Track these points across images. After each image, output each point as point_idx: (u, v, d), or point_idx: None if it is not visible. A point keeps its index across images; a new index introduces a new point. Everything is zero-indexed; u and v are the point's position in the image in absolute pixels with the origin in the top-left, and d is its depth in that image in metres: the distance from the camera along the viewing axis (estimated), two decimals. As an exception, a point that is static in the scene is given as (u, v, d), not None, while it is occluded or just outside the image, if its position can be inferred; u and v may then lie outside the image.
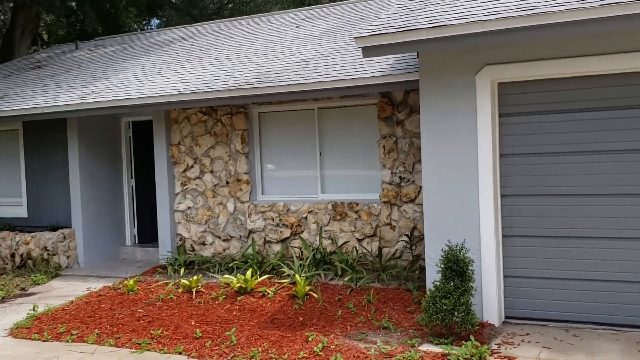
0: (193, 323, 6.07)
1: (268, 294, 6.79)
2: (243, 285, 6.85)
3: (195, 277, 7.30)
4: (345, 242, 7.98)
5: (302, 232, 8.31)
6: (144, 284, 7.93)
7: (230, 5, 22.56)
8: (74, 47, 14.49)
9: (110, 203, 10.31)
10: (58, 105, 8.93)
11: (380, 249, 7.63)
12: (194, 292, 7.08)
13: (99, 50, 13.50)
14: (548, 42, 5.22)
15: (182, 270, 8.20)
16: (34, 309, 6.78)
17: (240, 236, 8.71)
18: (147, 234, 10.76)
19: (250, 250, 8.48)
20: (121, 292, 7.48)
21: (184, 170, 9.12)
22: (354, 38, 5.37)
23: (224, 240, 8.84)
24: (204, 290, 7.20)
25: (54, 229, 9.86)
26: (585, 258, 5.41)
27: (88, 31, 20.27)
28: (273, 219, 8.47)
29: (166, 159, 9.16)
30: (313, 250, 7.95)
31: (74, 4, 21.02)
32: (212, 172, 8.92)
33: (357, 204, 7.98)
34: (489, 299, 5.55)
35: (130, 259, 10.30)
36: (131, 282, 7.52)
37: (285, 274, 7.43)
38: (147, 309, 6.71)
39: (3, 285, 8.54)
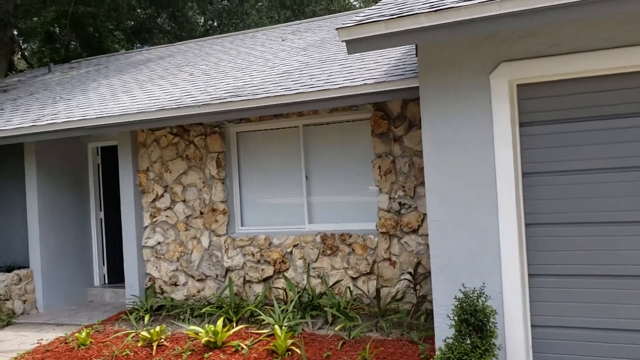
0: (145, 391, 4.87)
1: (242, 349, 5.58)
2: (212, 340, 5.65)
3: (158, 328, 6.11)
4: (337, 282, 6.80)
5: (287, 269, 7.13)
6: (101, 334, 6.73)
7: (219, 27, 21.71)
8: (47, 70, 13.50)
9: (75, 239, 9.15)
10: (6, 129, 7.84)
11: (378, 289, 6.45)
12: (154, 347, 5.87)
13: (73, 72, 12.49)
14: (582, 29, 4.13)
15: (147, 318, 7.01)
16: (-43, 373, 5.58)
17: (217, 275, 7.53)
18: (118, 272, 9.58)
19: (227, 292, 7.30)
20: (72, 346, 6.27)
21: (153, 200, 7.98)
22: (336, 29, 4.28)
23: (198, 280, 7.66)
24: (167, 344, 6.00)
25: (9, 269, 8.68)
26: (637, 303, 4.22)
27: (72, 57, 19.38)
28: (253, 255, 7.30)
29: (133, 187, 8.03)
30: (299, 291, 6.77)
31: (56, 28, 20.15)
32: (184, 201, 7.78)
33: (350, 236, 6.82)
34: (515, 359, 4.35)
35: (98, 302, 9.09)
36: (83, 334, 6.32)
37: (265, 322, 6.24)
38: (94, 370, 5.51)
39: (-59, 338, 7.33)
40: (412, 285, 6.45)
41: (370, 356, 5.11)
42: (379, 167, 6.67)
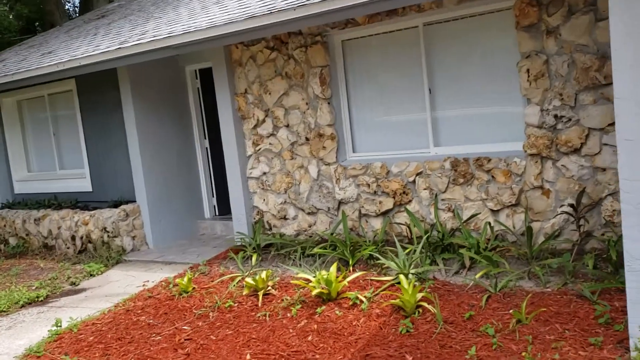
0: (248, 358, 4.07)
1: (361, 302, 4.61)
2: (324, 291, 4.72)
3: (264, 274, 5.29)
4: (472, 216, 5.56)
5: (409, 202, 5.98)
6: (206, 277, 6.10)
7: None
8: (146, -9, 12.79)
9: (181, 170, 8.58)
10: (94, 54, 7.16)
11: (528, 225, 5.13)
12: (260, 297, 5.08)
13: (168, -10, 11.66)
14: None
15: (254, 257, 6.26)
16: (57, 324, 5.16)
17: (329, 208, 6.56)
18: (229, 203, 8.99)
19: (341, 228, 6.34)
20: (173, 293, 5.68)
21: (254, 126, 7.06)
22: None
23: (308, 213, 6.75)
24: (275, 293, 5.18)
25: (116, 204, 8.34)
26: None
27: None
28: (369, 185, 6.21)
29: (232, 113, 7.14)
30: (427, 230, 5.63)
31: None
32: (287, 126, 6.78)
33: (489, 160, 5.49)
34: None
35: (209, 235, 8.58)
36: (185, 280, 5.69)
37: (386, 266, 5.21)
38: (194, 325, 4.82)
39: (53, 278, 7.14)
40: (572, 220, 5.07)
41: (527, 318, 3.92)
42: (527, 70, 5.16)
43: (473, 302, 4.36)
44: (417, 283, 4.66)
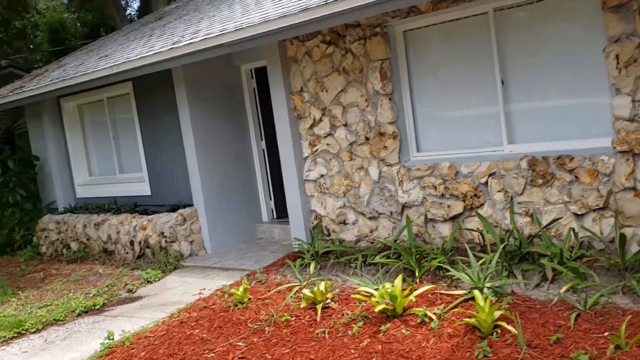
0: (305, 382, 3.72)
1: (430, 320, 4.16)
2: (389, 307, 4.30)
3: (322, 286, 4.92)
4: (554, 221, 4.99)
5: (481, 205, 5.46)
6: (262, 286, 5.80)
7: None
8: (201, -8, 12.69)
9: (238, 172, 8.35)
10: (148, 55, 7.00)
11: (620, 232, 4.53)
12: (318, 310, 4.72)
13: (224, -11, 11.50)
14: None
15: (312, 266, 5.91)
16: (109, 337, 4.97)
17: (391, 212, 6.12)
18: (286, 206, 8.70)
19: (405, 234, 5.88)
20: (228, 304, 5.39)
21: (311, 126, 6.70)
22: None
23: (369, 218, 6.33)
24: (335, 307, 4.80)
25: (174, 208, 8.18)
26: None
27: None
28: (435, 187, 5.73)
29: (287, 113, 6.81)
30: (502, 238, 5.09)
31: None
32: (345, 125, 6.38)
33: (572, 158, 4.90)
34: None
35: (267, 239, 8.31)
36: (241, 290, 5.40)
37: (457, 277, 4.73)
38: (249, 341, 4.51)
39: (111, 285, 7.04)
40: (673, 226, 4.43)
41: (628, 344, 3.36)
42: (616, 56, 4.55)
43: (559, 322, 3.83)
44: (493, 298, 4.17)
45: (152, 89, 8.41)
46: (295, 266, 5.96)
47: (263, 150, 8.60)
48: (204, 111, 7.94)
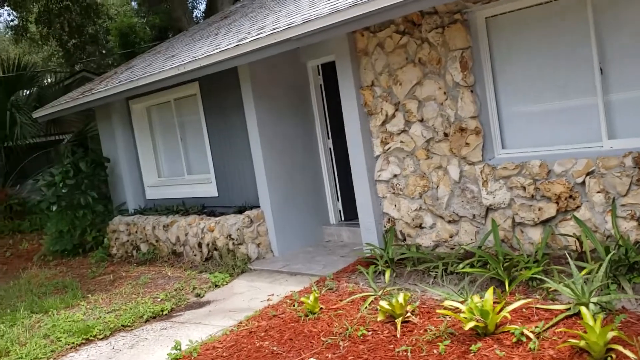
0: (388, 410, 3.32)
1: (528, 340, 3.67)
2: (480, 324, 3.84)
3: (401, 297, 4.50)
4: (667, 226, 4.37)
5: (578, 208, 4.89)
6: (333, 294, 5.44)
7: None
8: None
9: (305, 172, 8.05)
10: (213, 54, 6.79)
11: None
12: (398, 325, 4.31)
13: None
14: None
15: (387, 274, 5.50)
16: (176, 347, 4.75)
17: (474, 215, 5.62)
18: (355, 207, 8.33)
19: (490, 239, 5.37)
20: (298, 314, 5.07)
21: (383, 123, 6.29)
22: None
23: (449, 222, 5.86)
24: (416, 321, 4.38)
25: (240, 210, 7.98)
26: None
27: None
28: (524, 188, 5.19)
29: (357, 109, 6.43)
30: (607, 245, 4.51)
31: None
32: (421, 120, 5.93)
33: (689, 154, 4.26)
34: None
35: (335, 243, 7.97)
36: (312, 299, 5.06)
37: (553, 289, 4.20)
38: (323, 356, 4.16)
39: (179, 288, 6.89)
40: None
41: None
42: None
43: (687, 348, 3.26)
44: (602, 316, 3.63)
45: (219, 88, 8.24)
46: (368, 273, 5.57)
47: (330, 149, 8.26)
48: (270, 110, 7.68)
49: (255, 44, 6.23)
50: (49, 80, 18.24)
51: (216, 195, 8.75)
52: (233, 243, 7.57)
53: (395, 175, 6.28)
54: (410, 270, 5.53)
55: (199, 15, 25.01)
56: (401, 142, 6.13)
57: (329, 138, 8.24)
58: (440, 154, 5.80)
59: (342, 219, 8.32)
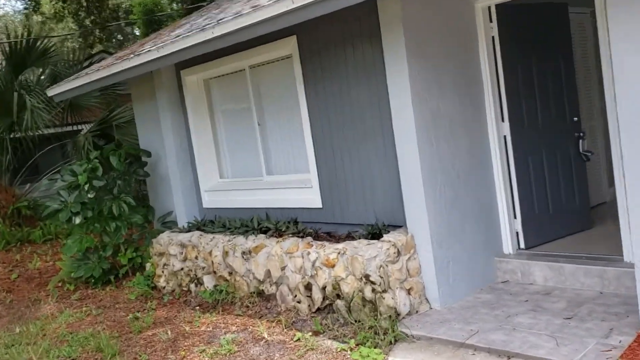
0: None
1: None
2: None
3: None
4: None
5: None
6: None
7: None
8: None
9: (470, 173, 5.13)
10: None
11: None
12: None
13: None
14: None
15: None
16: None
17: None
18: (541, 226, 5.41)
19: None
20: None
21: None
22: None
23: None
24: None
25: (374, 233, 5.06)
26: None
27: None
28: None
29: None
30: None
31: None
32: None
33: None
34: None
35: (522, 286, 5.06)
36: None
37: None
38: None
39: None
40: None
41: None
42: None
43: None
44: None
45: (333, 43, 5.32)
46: None
47: (504, 137, 5.33)
48: (428, 76, 4.76)
49: None
50: (65, 59, 15.41)
51: (319, 206, 5.83)
52: (373, 289, 4.64)
53: None
54: None
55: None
56: None
57: (503, 120, 5.31)
58: None
59: (522, 246, 5.39)
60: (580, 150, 5.67)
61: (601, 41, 4.37)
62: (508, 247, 5.34)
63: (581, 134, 5.67)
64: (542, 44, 5.45)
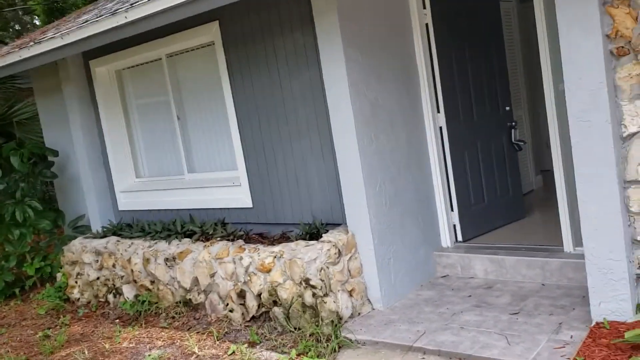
0: None
1: None
2: None
3: None
4: None
5: None
6: None
7: None
8: None
9: (409, 165, 4.93)
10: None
11: None
12: None
13: None
14: None
15: None
16: None
17: None
18: (478, 218, 5.32)
19: None
20: None
21: (659, 71, 3.27)
22: None
23: None
24: None
25: (311, 233, 4.75)
26: None
27: None
28: None
29: (600, 43, 3.35)
30: None
31: None
32: None
33: None
34: None
35: (463, 281, 4.93)
36: None
37: None
38: None
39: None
40: None
41: None
42: None
43: None
44: None
45: (261, 29, 4.93)
46: None
47: (440, 128, 5.17)
48: (363, 64, 4.49)
49: None
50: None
51: (249, 205, 5.44)
52: (314, 294, 4.33)
53: (679, 172, 3.28)
54: None
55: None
56: None
57: (438, 111, 5.15)
58: None
59: (459, 238, 5.28)
60: (513, 140, 5.62)
61: (540, 29, 4.26)
62: (446, 240, 5.20)
63: (513, 124, 5.63)
64: (475, 32, 5.33)
